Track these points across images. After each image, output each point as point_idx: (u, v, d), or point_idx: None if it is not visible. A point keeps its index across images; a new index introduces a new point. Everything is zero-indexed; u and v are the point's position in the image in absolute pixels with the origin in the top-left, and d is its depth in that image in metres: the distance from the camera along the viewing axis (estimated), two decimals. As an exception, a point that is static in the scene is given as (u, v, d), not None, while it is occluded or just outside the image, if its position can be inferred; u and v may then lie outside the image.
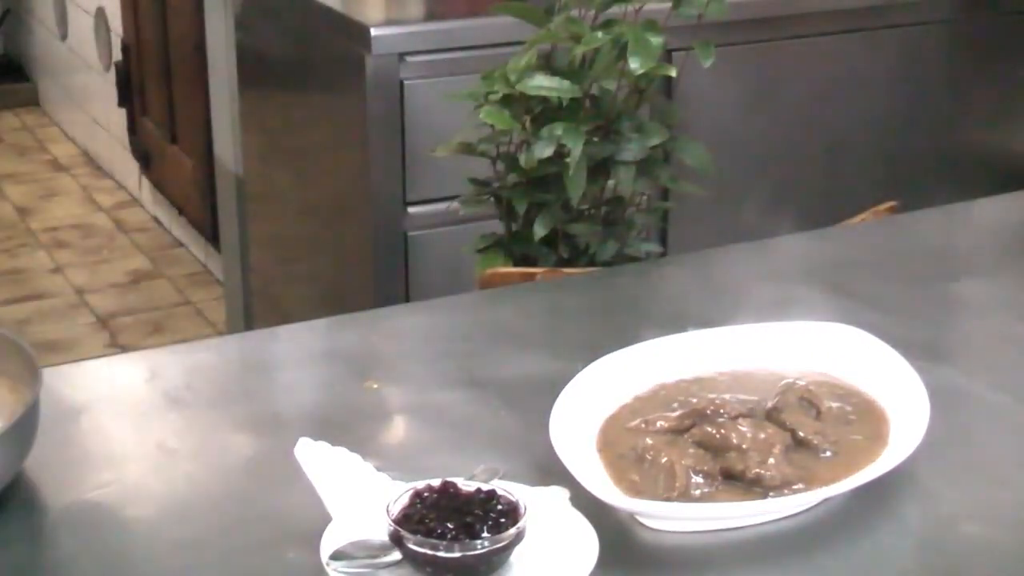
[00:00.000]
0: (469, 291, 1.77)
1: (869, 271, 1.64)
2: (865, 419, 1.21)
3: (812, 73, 2.83)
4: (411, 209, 2.51)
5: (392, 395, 1.37)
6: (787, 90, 2.82)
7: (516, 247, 1.85)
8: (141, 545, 1.11)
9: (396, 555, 1.01)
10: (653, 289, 1.68)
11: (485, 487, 1.05)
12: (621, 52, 1.74)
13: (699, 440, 1.16)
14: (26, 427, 1.12)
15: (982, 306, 1.58)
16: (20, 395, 1.17)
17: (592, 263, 1.82)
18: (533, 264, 1.82)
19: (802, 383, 1.24)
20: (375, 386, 1.36)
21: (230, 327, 3.63)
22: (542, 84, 1.75)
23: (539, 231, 1.79)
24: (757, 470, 1.12)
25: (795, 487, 1.12)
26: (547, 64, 1.80)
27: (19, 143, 5.44)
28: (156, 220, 4.60)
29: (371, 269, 2.56)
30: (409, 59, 2.45)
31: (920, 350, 1.30)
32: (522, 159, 1.77)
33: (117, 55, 4.64)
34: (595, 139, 1.77)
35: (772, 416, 1.20)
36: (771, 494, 1.12)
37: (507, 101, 1.78)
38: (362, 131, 2.48)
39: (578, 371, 1.24)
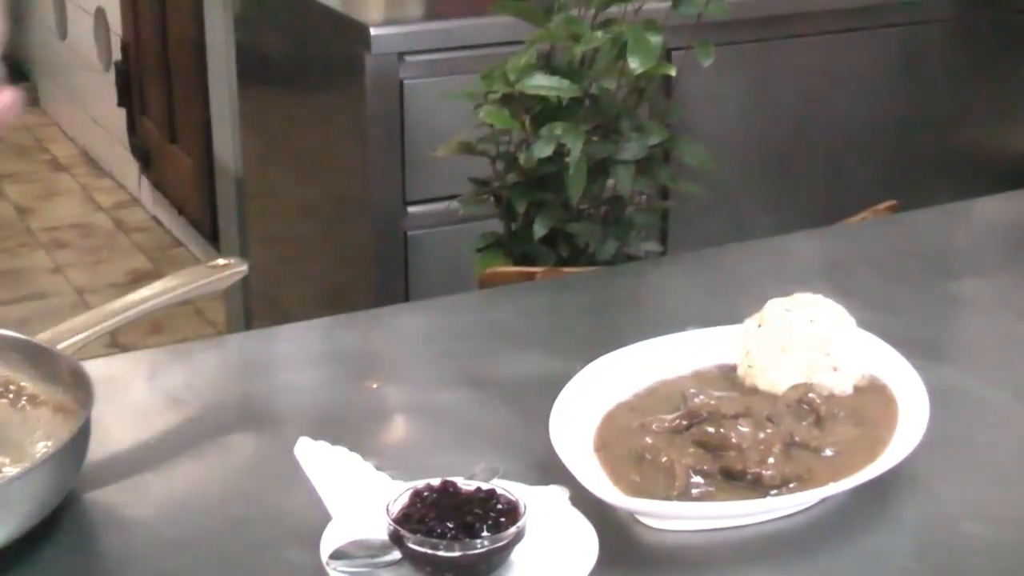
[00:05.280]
0: (469, 290, 1.77)
1: (869, 270, 1.64)
2: (865, 418, 1.21)
3: (812, 72, 2.84)
4: (411, 208, 2.51)
5: (392, 394, 1.37)
6: (787, 89, 2.83)
7: (516, 246, 1.85)
8: (140, 545, 1.11)
9: (396, 554, 1.01)
10: (653, 288, 1.68)
11: (485, 486, 1.05)
12: (621, 51, 1.73)
13: (699, 439, 1.16)
14: (77, 449, 1.12)
15: (982, 305, 1.58)
16: (71, 416, 1.17)
17: (592, 262, 1.82)
18: (533, 263, 1.82)
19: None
20: (375, 385, 1.36)
21: (230, 327, 3.63)
22: (541, 83, 1.75)
23: (539, 230, 1.79)
24: (756, 469, 1.12)
25: (795, 486, 1.12)
26: (546, 63, 1.80)
27: (19, 143, 5.43)
28: (156, 220, 4.60)
29: (371, 268, 2.56)
30: (409, 58, 2.45)
31: (920, 349, 1.30)
32: (522, 158, 1.77)
33: (117, 55, 4.64)
34: (595, 138, 1.77)
35: (772, 415, 1.19)
36: (771, 493, 1.12)
37: (506, 100, 1.78)
38: (362, 130, 2.49)
39: (578, 370, 1.24)
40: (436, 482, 1.05)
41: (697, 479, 1.13)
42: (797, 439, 1.17)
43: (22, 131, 5.56)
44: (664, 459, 1.14)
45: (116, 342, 3.50)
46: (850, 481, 1.11)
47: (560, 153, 1.74)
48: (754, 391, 1.24)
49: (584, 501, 1.08)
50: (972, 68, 3.01)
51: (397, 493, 1.04)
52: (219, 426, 1.29)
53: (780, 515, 1.11)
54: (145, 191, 4.68)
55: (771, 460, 1.13)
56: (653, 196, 2.07)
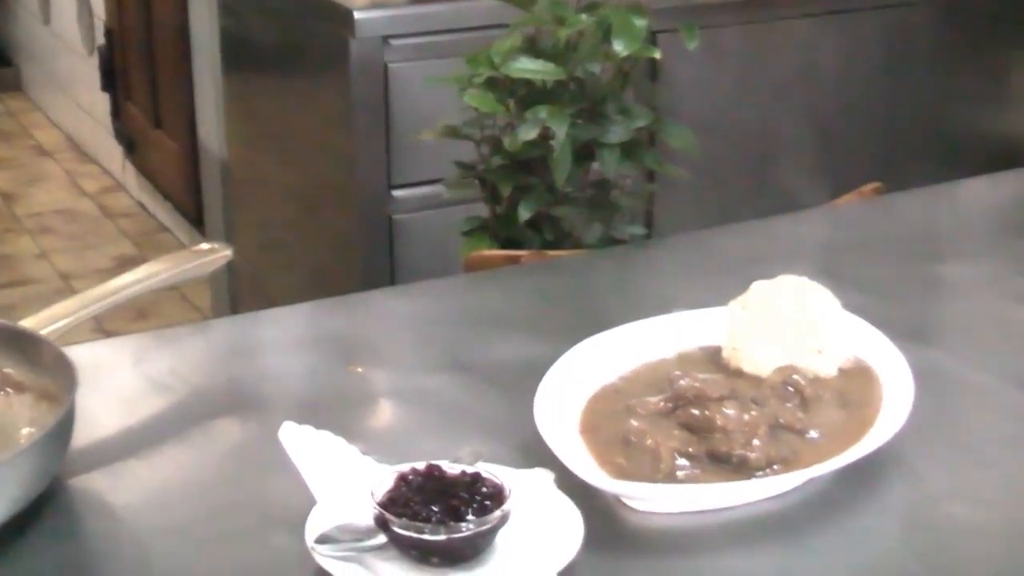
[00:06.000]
0: (454, 274, 1.77)
1: (854, 252, 1.65)
2: (850, 400, 1.21)
3: (798, 54, 2.84)
4: (396, 193, 2.51)
5: (377, 378, 1.36)
6: (772, 71, 2.82)
7: (501, 230, 1.85)
8: (126, 531, 1.11)
9: (381, 538, 1.01)
10: (638, 272, 1.68)
11: (470, 470, 1.05)
12: (606, 34, 1.73)
13: (684, 422, 1.16)
14: (61, 434, 1.12)
15: (967, 287, 1.58)
16: (56, 402, 1.17)
17: (577, 246, 1.82)
18: (518, 247, 1.82)
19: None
20: (360, 370, 1.36)
21: (216, 312, 3.63)
22: (526, 67, 1.75)
23: (524, 214, 1.79)
24: (742, 451, 1.12)
25: (780, 468, 1.12)
26: (531, 47, 1.80)
27: (2, 128, 5.42)
28: (141, 205, 4.59)
29: (356, 253, 2.56)
30: (393, 42, 2.45)
31: (905, 330, 1.30)
32: (507, 142, 1.77)
33: (100, 39, 4.62)
34: (580, 122, 1.77)
35: (757, 397, 1.19)
36: (756, 475, 1.12)
37: (491, 84, 1.78)
38: (347, 115, 2.48)
39: (563, 353, 1.24)
40: (421, 466, 1.05)
41: (682, 462, 1.13)
42: (782, 421, 1.17)
43: (5, 116, 5.55)
44: (649, 442, 1.14)
45: (101, 328, 3.49)
46: (835, 463, 1.11)
47: (545, 136, 1.73)
48: (739, 374, 1.24)
49: (569, 484, 1.08)
50: (958, 50, 3.01)
51: (382, 477, 1.04)
52: (204, 411, 1.29)
53: (765, 497, 1.11)
54: (130, 176, 4.67)
55: (756, 442, 1.13)
56: (638, 179, 2.07)
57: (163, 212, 4.40)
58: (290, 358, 1.42)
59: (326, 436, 1.14)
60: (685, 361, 1.27)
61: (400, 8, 2.51)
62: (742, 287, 1.30)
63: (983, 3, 3.03)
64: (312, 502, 1.07)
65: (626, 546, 1.08)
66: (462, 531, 1.00)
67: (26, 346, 1.21)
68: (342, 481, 1.09)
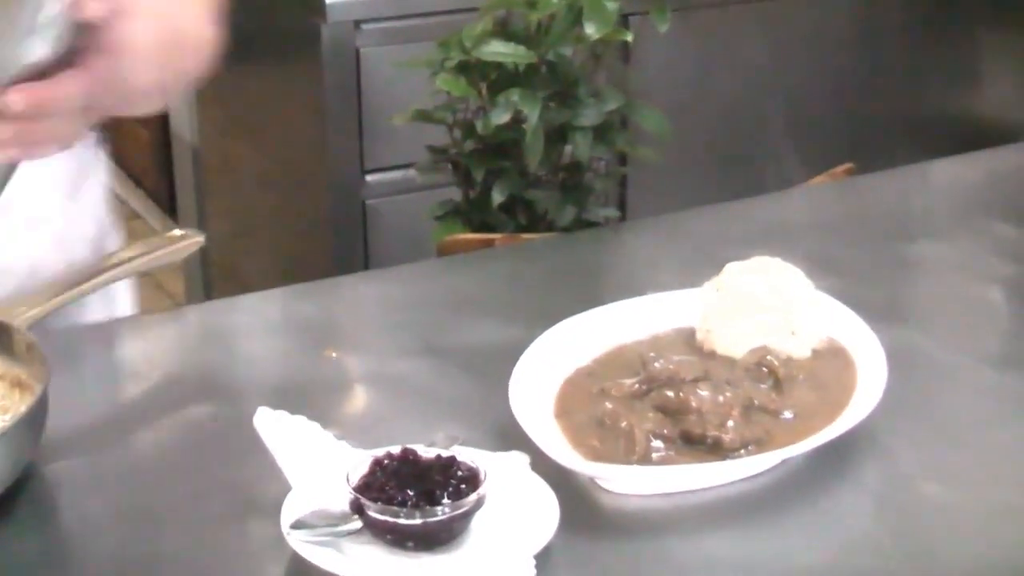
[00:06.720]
0: (428, 259, 1.77)
1: (827, 233, 1.65)
2: (824, 381, 1.22)
3: (769, 36, 2.84)
4: (369, 177, 2.51)
5: (351, 363, 1.36)
6: (744, 53, 2.83)
7: (474, 214, 1.85)
8: (100, 518, 1.10)
9: (357, 523, 1.01)
10: (612, 254, 1.68)
11: (445, 454, 1.05)
12: (577, 17, 1.73)
13: (658, 404, 1.16)
14: (35, 422, 1.11)
15: (939, 267, 1.59)
16: (29, 390, 1.16)
17: (550, 229, 1.82)
18: (491, 231, 1.82)
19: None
20: (334, 355, 1.36)
21: (189, 299, 3.62)
22: (498, 50, 1.74)
23: (497, 197, 1.79)
24: (716, 433, 1.12)
25: (754, 449, 1.13)
26: (503, 30, 1.80)
27: (-27, 116, 5.38)
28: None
29: (330, 238, 2.56)
30: (365, 27, 2.44)
31: (878, 312, 1.30)
32: (479, 126, 1.77)
33: (70, 26, 4.59)
34: (552, 105, 1.77)
35: (730, 379, 1.20)
36: (730, 456, 1.12)
37: (463, 68, 1.77)
38: (318, 100, 2.48)
39: (537, 336, 1.24)
40: (396, 450, 1.05)
41: (657, 444, 1.13)
42: (756, 402, 1.17)
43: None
44: (624, 424, 1.14)
45: (74, 315, 3.48)
46: (809, 443, 1.12)
47: (518, 120, 1.73)
48: (713, 355, 1.25)
49: (545, 467, 1.08)
50: (929, 30, 3.02)
51: (357, 462, 1.04)
52: (178, 398, 1.29)
53: (740, 478, 1.12)
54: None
55: (730, 423, 1.13)
56: (611, 162, 2.07)
57: (135, 199, 4.38)
58: (264, 344, 1.41)
59: (301, 421, 1.14)
60: (659, 343, 1.28)
61: (371, -8, 2.50)
62: (715, 269, 1.31)
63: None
64: (287, 487, 1.07)
65: (602, 528, 1.08)
66: (437, 515, 1.00)
67: None
68: (317, 466, 1.09)
